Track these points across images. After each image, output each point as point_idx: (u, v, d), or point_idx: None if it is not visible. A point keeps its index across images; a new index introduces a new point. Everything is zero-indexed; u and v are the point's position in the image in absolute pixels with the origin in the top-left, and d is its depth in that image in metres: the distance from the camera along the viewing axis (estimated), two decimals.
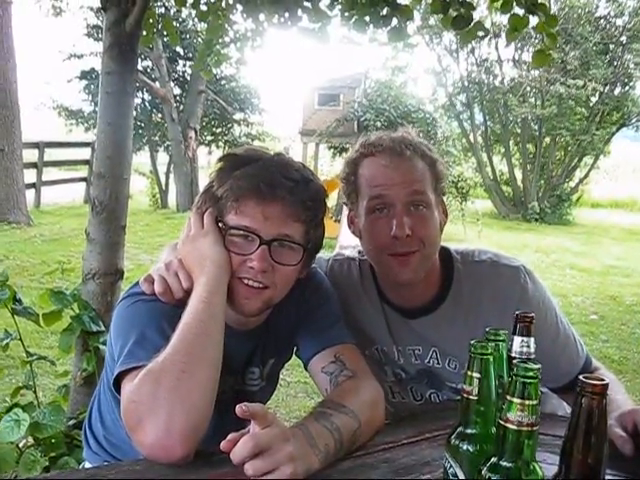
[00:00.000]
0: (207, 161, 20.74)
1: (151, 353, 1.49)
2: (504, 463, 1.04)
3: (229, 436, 1.33)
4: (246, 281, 1.66)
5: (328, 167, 20.29)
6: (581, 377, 0.97)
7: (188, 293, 1.63)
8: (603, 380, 0.96)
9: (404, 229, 1.85)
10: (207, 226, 1.69)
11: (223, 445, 1.32)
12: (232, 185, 1.66)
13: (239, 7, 4.39)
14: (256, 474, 1.28)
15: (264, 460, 1.29)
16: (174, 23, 7.42)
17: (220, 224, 1.69)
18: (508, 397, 1.01)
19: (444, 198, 2.07)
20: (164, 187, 19.09)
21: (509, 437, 1.02)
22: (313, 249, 1.78)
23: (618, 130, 22.10)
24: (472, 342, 1.17)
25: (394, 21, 3.76)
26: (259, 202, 1.63)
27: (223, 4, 4.45)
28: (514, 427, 1.01)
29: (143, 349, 1.53)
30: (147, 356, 1.49)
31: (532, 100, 21.60)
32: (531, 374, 1.01)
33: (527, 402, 1.00)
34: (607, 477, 1.01)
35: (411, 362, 2.09)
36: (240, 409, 1.29)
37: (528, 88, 21.44)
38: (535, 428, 1.01)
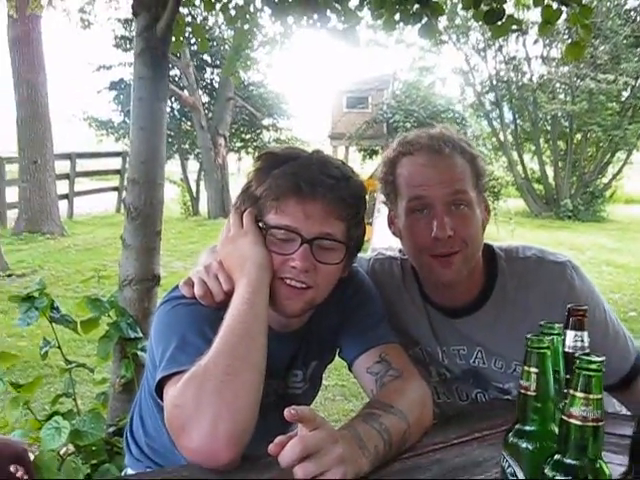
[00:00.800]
0: (237, 168, 20.86)
1: (193, 357, 1.46)
2: (568, 461, 1.00)
3: (277, 439, 1.30)
4: (288, 281, 1.62)
5: (358, 170, 20.23)
6: None
7: (229, 295, 1.60)
8: None
9: (445, 230, 1.80)
10: (247, 226, 1.66)
11: (271, 448, 1.29)
12: (271, 184, 1.63)
13: (267, 10, 4.38)
14: (307, 477, 1.25)
15: (314, 463, 1.26)
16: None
17: (260, 224, 1.66)
18: (571, 391, 0.97)
19: (485, 195, 2.01)
20: (195, 194, 19.24)
21: (573, 433, 0.98)
22: (355, 247, 1.74)
23: None
24: (528, 336, 1.13)
25: (424, 19, 3.72)
26: (300, 200, 1.60)
27: (251, 8, 4.45)
28: (579, 423, 0.97)
29: (185, 353, 1.51)
30: (189, 360, 1.46)
31: (562, 96, 21.43)
32: (595, 367, 0.97)
33: (591, 396, 0.96)
34: None
35: (456, 362, 2.04)
36: (289, 413, 1.26)
37: (557, 84, 21.28)
38: (601, 423, 0.97)
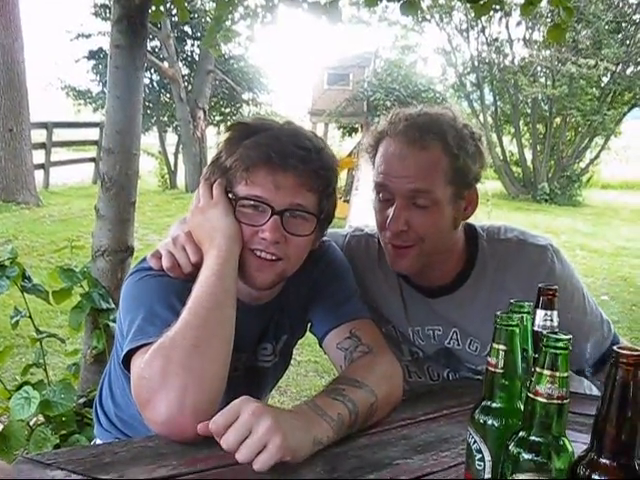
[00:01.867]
0: (216, 141, 20.70)
1: (161, 329, 1.45)
2: (533, 437, 1.00)
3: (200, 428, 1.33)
4: (258, 253, 1.61)
5: (337, 147, 20.22)
6: (615, 348, 0.92)
7: (197, 267, 1.59)
8: (638, 350, 0.92)
9: (398, 224, 1.79)
10: (216, 197, 1.64)
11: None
12: (242, 155, 1.61)
13: None
14: (249, 460, 1.26)
15: (246, 445, 1.26)
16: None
17: (230, 195, 1.64)
18: (537, 369, 0.97)
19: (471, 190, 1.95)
20: (173, 168, 19.08)
21: (538, 410, 0.98)
22: (326, 219, 1.73)
23: (630, 110, 21.89)
24: (497, 314, 1.13)
25: None
26: (270, 171, 1.58)
27: None
28: (544, 400, 0.97)
29: (153, 325, 1.50)
30: (157, 332, 1.45)
31: (543, 80, 21.44)
32: (562, 345, 0.97)
33: (557, 374, 0.97)
34: None
35: (430, 343, 2.03)
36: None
37: (539, 68, 21.29)
38: (565, 401, 0.98)
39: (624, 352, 0.90)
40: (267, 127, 1.67)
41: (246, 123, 1.72)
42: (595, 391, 2.06)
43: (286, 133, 1.66)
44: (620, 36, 20.56)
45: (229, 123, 20.85)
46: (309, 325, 1.90)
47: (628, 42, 20.49)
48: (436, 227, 1.83)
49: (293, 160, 1.58)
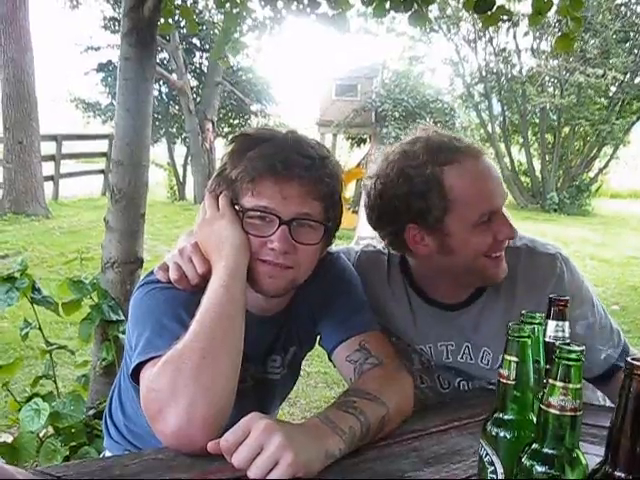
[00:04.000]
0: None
1: (169, 342, 1.45)
2: (546, 450, 0.99)
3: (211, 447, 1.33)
4: (267, 262, 1.61)
5: (346, 158, 20.22)
6: (629, 359, 0.91)
7: (205, 279, 1.59)
8: None
9: (513, 229, 1.84)
10: (223, 208, 1.64)
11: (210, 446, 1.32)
12: (247, 166, 1.60)
13: None
14: (261, 477, 1.25)
15: (257, 464, 1.25)
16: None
17: (236, 207, 1.64)
18: (550, 381, 0.96)
19: None
20: (182, 179, 19.12)
21: (551, 423, 0.97)
22: (333, 226, 1.73)
23: (638, 119, 21.85)
24: (509, 325, 1.13)
25: (414, 6, 3.70)
26: (276, 181, 1.58)
27: None
28: (557, 412, 0.96)
29: (161, 338, 1.50)
30: (166, 345, 1.45)
31: (551, 90, 21.45)
32: (574, 356, 0.96)
33: (570, 385, 0.95)
34: None
35: (441, 359, 2.01)
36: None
37: (547, 78, 21.29)
38: (579, 413, 0.97)
39: (638, 363, 0.89)
40: (270, 137, 1.67)
41: (249, 134, 1.72)
42: (609, 403, 2.04)
43: (290, 142, 1.66)
44: (628, 45, 20.57)
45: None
46: (318, 338, 1.89)
47: (636, 51, 20.50)
48: None
49: (298, 169, 1.58)
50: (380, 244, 2.10)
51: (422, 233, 1.83)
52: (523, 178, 22.35)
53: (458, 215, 1.78)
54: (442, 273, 1.92)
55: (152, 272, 1.69)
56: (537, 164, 22.03)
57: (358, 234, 9.19)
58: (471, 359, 1.98)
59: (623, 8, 20.66)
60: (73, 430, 2.97)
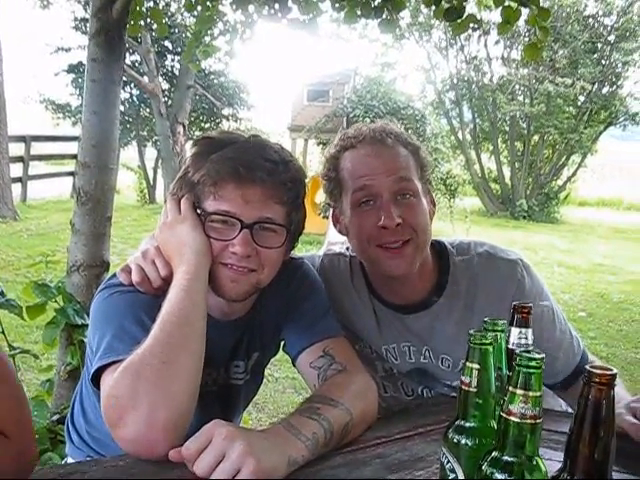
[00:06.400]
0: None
1: (130, 346, 1.43)
2: (506, 457, 0.99)
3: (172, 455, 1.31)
4: (230, 266, 1.60)
5: (317, 163, 20.23)
6: (588, 367, 0.92)
7: (167, 281, 1.58)
8: (611, 370, 0.91)
9: (393, 218, 1.78)
10: (184, 212, 1.63)
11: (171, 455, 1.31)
12: (209, 169, 1.60)
13: None
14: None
15: (219, 470, 1.24)
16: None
17: (198, 210, 1.63)
18: (510, 388, 0.97)
19: (430, 188, 1.99)
20: (152, 182, 19.00)
21: (511, 430, 0.98)
22: (296, 230, 1.73)
23: (605, 129, 22.24)
24: (471, 332, 1.13)
25: (385, 13, 3.71)
26: (238, 185, 1.58)
27: None
28: (517, 420, 0.97)
29: (122, 342, 1.48)
30: (126, 349, 1.43)
31: (521, 98, 21.68)
32: (534, 364, 0.96)
33: (530, 393, 0.96)
34: (614, 475, 0.97)
35: (405, 360, 2.03)
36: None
37: (517, 86, 21.52)
38: (538, 421, 0.97)
39: (597, 371, 0.90)
40: (233, 140, 1.66)
41: (212, 137, 1.71)
42: (571, 409, 2.05)
43: (253, 146, 1.65)
44: (596, 56, 20.87)
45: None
46: (282, 344, 1.89)
47: (603, 62, 20.82)
48: (423, 217, 1.86)
49: (261, 173, 1.58)
50: (342, 247, 2.11)
51: (336, 212, 1.96)
52: (493, 185, 22.55)
53: (346, 195, 1.88)
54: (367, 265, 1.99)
55: (114, 275, 1.68)
56: (507, 171, 22.25)
57: (328, 239, 9.19)
58: (432, 362, 2.00)
59: (591, 20, 20.97)
60: (36, 436, 2.92)
